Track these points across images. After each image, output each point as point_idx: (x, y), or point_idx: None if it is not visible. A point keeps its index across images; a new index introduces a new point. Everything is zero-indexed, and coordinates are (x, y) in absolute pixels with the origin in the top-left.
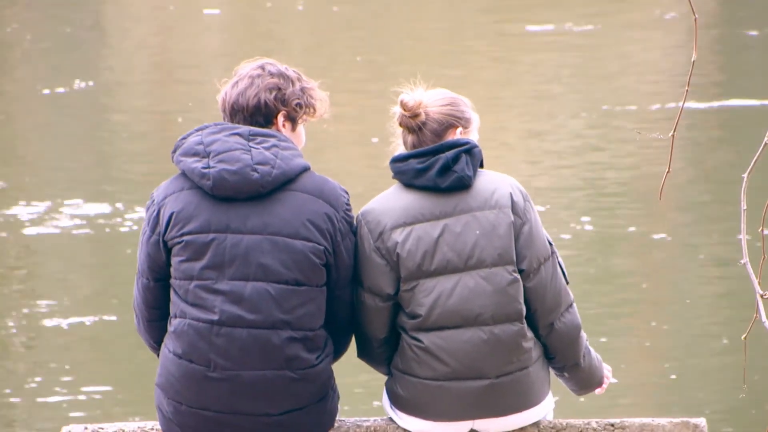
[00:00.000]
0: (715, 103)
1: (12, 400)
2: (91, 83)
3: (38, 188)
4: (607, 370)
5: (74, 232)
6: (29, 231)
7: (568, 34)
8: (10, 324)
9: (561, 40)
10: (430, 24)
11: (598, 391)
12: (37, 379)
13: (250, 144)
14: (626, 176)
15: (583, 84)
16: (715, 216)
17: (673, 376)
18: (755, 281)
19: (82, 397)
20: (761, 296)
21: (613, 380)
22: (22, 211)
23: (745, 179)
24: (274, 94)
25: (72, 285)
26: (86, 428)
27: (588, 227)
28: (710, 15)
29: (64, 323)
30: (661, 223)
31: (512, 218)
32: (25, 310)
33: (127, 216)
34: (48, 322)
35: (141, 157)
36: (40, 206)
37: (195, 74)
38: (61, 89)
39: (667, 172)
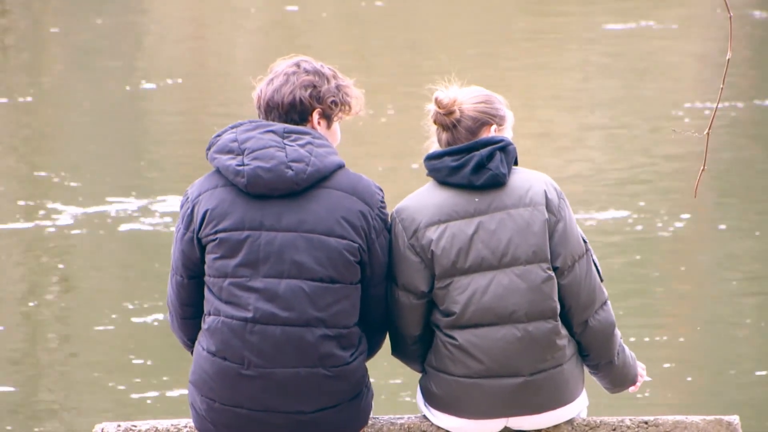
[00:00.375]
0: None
1: (47, 396)
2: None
3: (80, 183)
4: (641, 368)
5: (115, 228)
6: (68, 223)
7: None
8: (48, 319)
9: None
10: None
11: (632, 389)
12: (73, 375)
13: (285, 141)
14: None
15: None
16: (754, 217)
17: (708, 374)
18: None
19: (116, 394)
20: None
21: (647, 378)
22: (63, 206)
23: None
24: (309, 91)
25: (109, 281)
26: (119, 426)
27: (626, 227)
28: None
29: (102, 319)
30: (702, 224)
31: (546, 216)
32: (62, 304)
33: (163, 211)
34: (86, 318)
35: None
36: (81, 201)
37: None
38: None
39: (702, 169)
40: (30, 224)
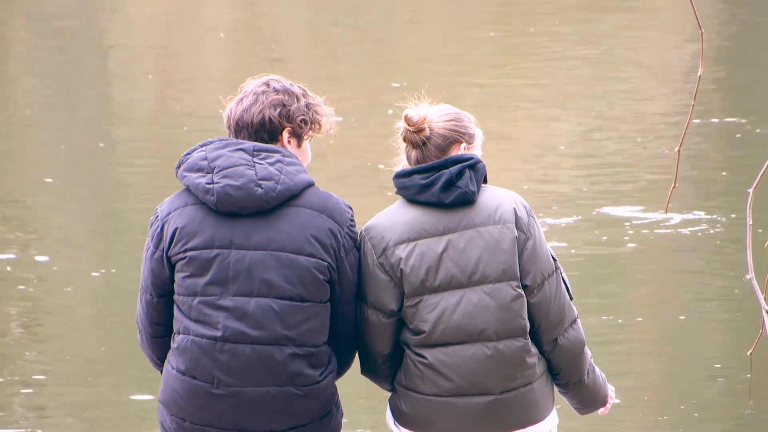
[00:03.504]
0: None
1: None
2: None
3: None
4: (611, 389)
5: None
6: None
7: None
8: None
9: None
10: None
11: (601, 411)
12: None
13: (255, 160)
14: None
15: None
16: (723, 230)
17: (673, 395)
18: (761, 296)
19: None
20: (767, 311)
21: (617, 401)
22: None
23: (750, 194)
24: (278, 110)
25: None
26: None
27: (586, 247)
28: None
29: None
30: (667, 238)
31: (516, 234)
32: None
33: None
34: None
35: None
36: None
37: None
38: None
39: (673, 187)
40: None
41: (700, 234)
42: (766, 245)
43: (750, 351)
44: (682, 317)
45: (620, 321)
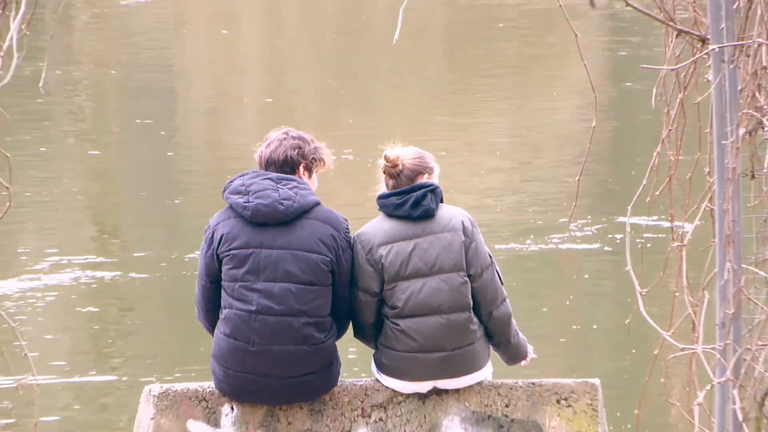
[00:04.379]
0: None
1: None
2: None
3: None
4: (530, 348)
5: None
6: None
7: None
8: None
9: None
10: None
11: (523, 363)
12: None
13: (278, 186)
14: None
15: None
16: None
17: (576, 351)
18: (636, 282)
19: (160, 360)
20: (640, 293)
21: (534, 356)
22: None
23: (629, 211)
24: (296, 151)
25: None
26: (163, 387)
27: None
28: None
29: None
30: (572, 239)
31: (463, 238)
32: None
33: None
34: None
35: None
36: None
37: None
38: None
39: (575, 204)
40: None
41: (596, 239)
42: (671, 246)
43: (628, 320)
44: (582, 299)
45: (537, 300)
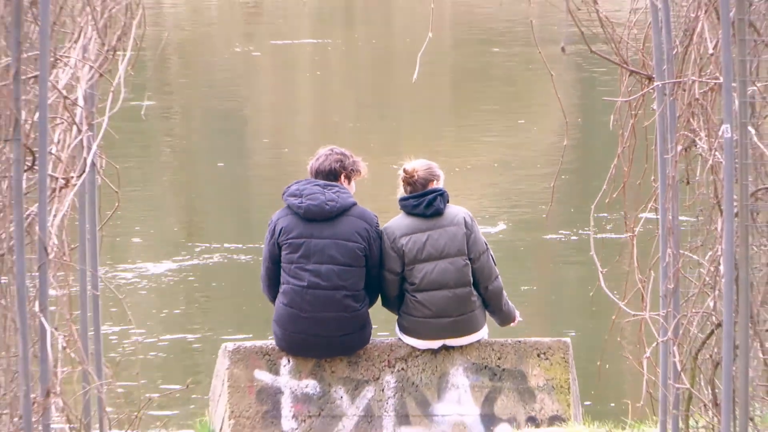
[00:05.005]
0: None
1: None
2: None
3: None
4: (518, 313)
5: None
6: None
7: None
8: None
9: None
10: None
11: (512, 324)
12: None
13: (324, 190)
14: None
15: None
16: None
17: (552, 317)
18: (598, 263)
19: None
20: (601, 272)
21: (521, 319)
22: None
23: (593, 209)
24: (339, 164)
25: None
26: (236, 344)
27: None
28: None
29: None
30: (551, 231)
31: (465, 231)
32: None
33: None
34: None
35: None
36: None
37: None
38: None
39: (551, 204)
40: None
41: (572, 235)
42: (625, 236)
43: (591, 293)
44: (558, 277)
45: (523, 277)
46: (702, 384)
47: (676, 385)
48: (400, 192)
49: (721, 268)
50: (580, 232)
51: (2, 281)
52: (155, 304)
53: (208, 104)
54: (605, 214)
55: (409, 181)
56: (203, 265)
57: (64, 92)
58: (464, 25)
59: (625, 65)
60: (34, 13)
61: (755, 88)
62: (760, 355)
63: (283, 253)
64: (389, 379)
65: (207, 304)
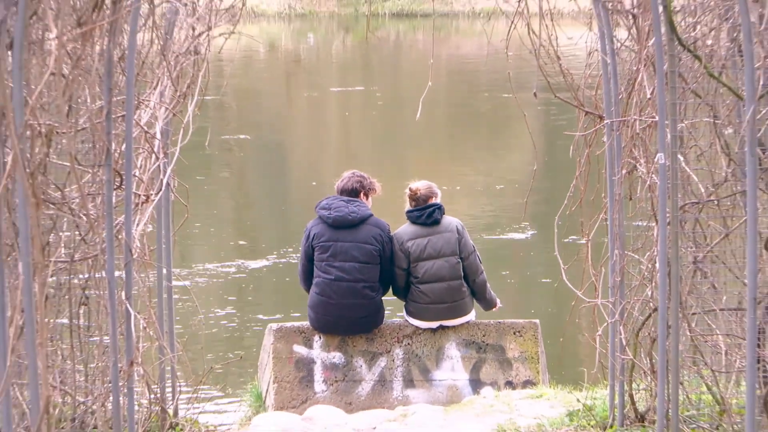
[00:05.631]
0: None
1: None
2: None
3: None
4: (498, 301)
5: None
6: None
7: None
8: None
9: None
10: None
11: (494, 309)
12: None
13: (348, 204)
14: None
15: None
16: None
17: (525, 303)
18: (561, 261)
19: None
20: (564, 268)
21: (501, 305)
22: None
23: (556, 219)
24: (359, 184)
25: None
26: (279, 324)
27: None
28: None
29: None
30: (525, 236)
31: (457, 236)
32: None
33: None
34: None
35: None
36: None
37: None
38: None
39: (523, 215)
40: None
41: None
42: (582, 240)
43: (556, 284)
44: (531, 272)
45: (504, 272)
46: (642, 356)
47: (622, 357)
48: (407, 206)
49: (657, 265)
50: (548, 236)
51: (97, 276)
52: (215, 294)
53: (258, 136)
54: (566, 223)
55: (414, 197)
56: (252, 265)
57: (145, 128)
58: (457, 75)
59: (581, 107)
60: (122, 66)
61: (683, 125)
62: (688, 333)
63: (316, 253)
64: (398, 352)
65: (255, 294)
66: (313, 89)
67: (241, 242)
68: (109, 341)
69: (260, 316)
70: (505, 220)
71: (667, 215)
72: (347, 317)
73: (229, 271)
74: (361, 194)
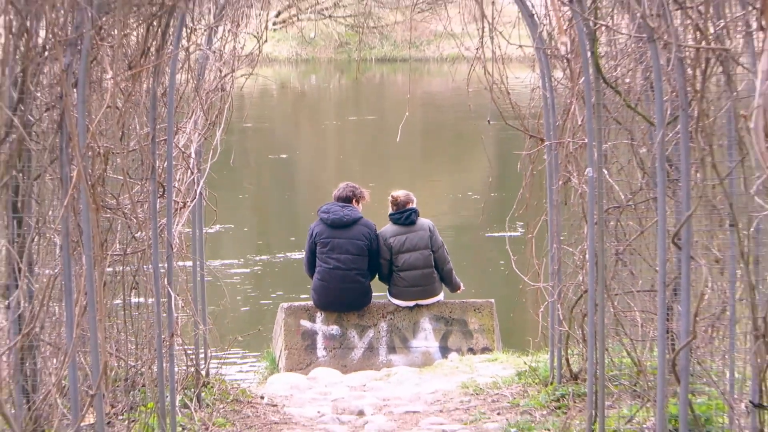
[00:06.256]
0: None
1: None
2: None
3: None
4: (462, 284)
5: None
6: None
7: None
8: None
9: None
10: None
11: (459, 291)
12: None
13: (343, 209)
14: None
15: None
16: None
17: (483, 286)
18: (511, 254)
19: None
20: (513, 259)
21: (463, 288)
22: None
23: (507, 220)
24: (351, 192)
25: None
26: (288, 304)
27: (451, 233)
28: None
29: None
30: (484, 234)
31: (429, 234)
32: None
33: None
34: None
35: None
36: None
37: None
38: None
39: (482, 216)
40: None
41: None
42: (527, 237)
43: (507, 272)
44: (488, 262)
45: (465, 262)
46: (575, 328)
47: (559, 329)
48: (389, 210)
49: (587, 256)
50: (501, 234)
51: (144, 267)
52: (239, 282)
53: (273, 155)
54: (519, 223)
55: (395, 203)
56: (269, 258)
57: (182, 149)
58: (429, 106)
59: (527, 132)
60: (164, 101)
61: (607, 145)
62: (611, 310)
63: (318, 248)
64: (383, 325)
65: (270, 281)
66: (321, 119)
67: (258, 241)
68: (154, 318)
69: (274, 295)
70: (467, 221)
71: (595, 217)
72: (343, 298)
73: (249, 263)
74: (353, 200)
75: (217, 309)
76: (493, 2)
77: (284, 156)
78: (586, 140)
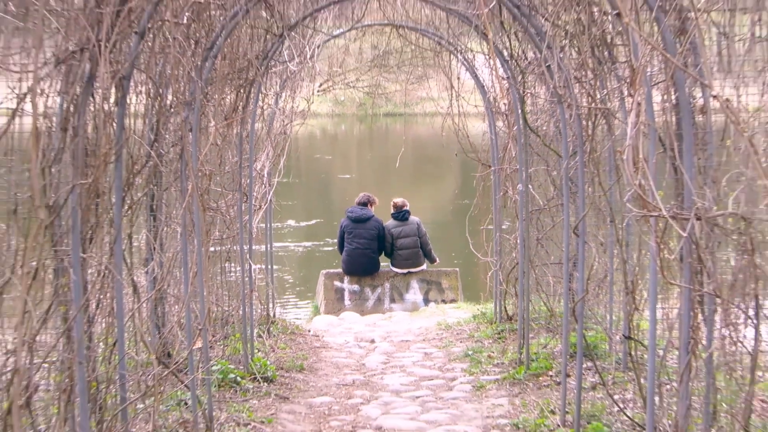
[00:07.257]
0: None
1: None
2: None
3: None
4: (438, 259)
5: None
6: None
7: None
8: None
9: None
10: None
11: (436, 263)
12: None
13: (361, 209)
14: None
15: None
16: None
17: (451, 260)
18: (470, 240)
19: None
20: (471, 243)
21: (438, 261)
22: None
23: (467, 222)
24: (367, 199)
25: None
26: (327, 270)
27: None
28: None
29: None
30: (456, 230)
31: (417, 226)
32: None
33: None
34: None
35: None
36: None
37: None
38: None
39: (450, 217)
40: None
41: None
42: (481, 229)
43: (466, 250)
44: (459, 246)
45: (442, 245)
46: (511, 286)
47: (500, 287)
48: (392, 210)
49: (518, 240)
50: (463, 226)
51: (235, 248)
52: (295, 257)
53: (316, 173)
54: (474, 219)
55: (395, 206)
56: (315, 244)
57: (259, 171)
58: (417, 142)
59: (480, 161)
60: (247, 140)
61: (531, 170)
62: (534, 275)
63: (345, 235)
64: (387, 285)
65: (317, 257)
66: (348, 153)
67: (308, 232)
68: (240, 279)
69: (318, 268)
70: (442, 217)
71: (523, 215)
72: (361, 267)
73: (302, 247)
74: (368, 204)
75: (282, 274)
76: (458, 78)
77: (325, 176)
78: (518, 166)
